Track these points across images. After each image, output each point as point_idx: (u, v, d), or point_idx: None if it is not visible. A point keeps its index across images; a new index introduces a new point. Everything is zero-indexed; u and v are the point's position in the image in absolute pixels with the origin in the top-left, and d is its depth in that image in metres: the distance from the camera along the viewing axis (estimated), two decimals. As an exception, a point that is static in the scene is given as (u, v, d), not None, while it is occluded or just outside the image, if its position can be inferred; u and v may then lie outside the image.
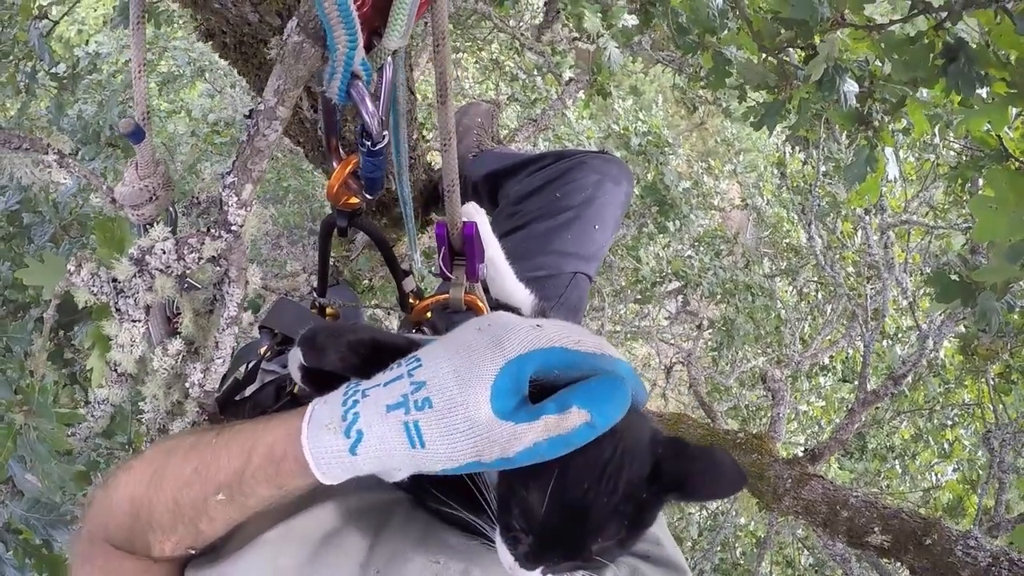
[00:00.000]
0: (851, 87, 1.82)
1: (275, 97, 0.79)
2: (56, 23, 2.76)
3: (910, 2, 1.59)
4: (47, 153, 1.04)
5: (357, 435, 0.66)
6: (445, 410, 0.64)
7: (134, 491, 0.79)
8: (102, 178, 1.02)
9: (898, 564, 2.61)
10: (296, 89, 0.80)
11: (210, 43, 1.77)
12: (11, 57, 2.76)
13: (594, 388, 0.66)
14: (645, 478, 0.71)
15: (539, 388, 0.67)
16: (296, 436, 0.69)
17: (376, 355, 0.75)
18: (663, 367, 5.12)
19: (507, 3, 3.08)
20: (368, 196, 1.02)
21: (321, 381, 0.78)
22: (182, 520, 0.76)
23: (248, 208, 0.85)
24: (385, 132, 0.87)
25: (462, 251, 1.11)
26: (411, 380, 0.66)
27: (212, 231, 0.87)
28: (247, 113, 0.83)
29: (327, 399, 0.71)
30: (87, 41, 5.91)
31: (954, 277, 1.86)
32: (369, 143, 0.88)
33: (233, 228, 0.86)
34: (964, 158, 3.00)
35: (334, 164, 1.01)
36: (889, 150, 2.03)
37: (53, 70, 2.94)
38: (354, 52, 0.76)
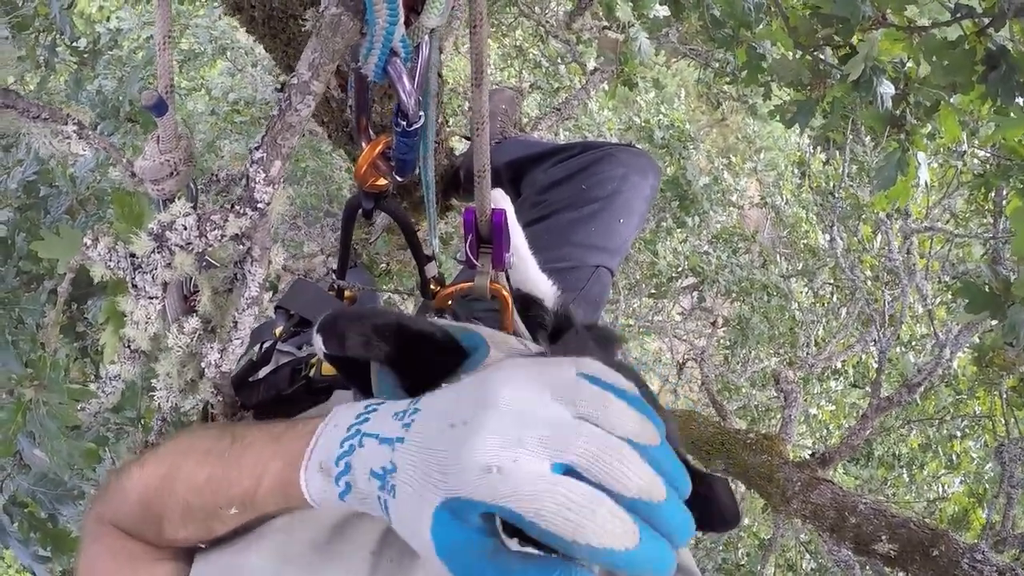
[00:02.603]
0: (888, 89, 1.78)
1: (309, 71, 0.76)
2: (78, -6, 2.74)
3: (953, 5, 1.55)
4: (66, 124, 1.02)
5: (345, 487, 0.65)
6: (401, 509, 0.62)
7: (147, 486, 0.78)
8: (121, 151, 0.99)
9: (903, 574, 2.59)
10: (332, 63, 0.76)
11: (236, 17, 1.74)
12: (31, 30, 2.73)
13: None
14: None
15: None
16: (298, 471, 0.69)
17: (403, 341, 0.73)
18: (675, 363, 5.10)
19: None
20: (398, 178, 0.99)
21: (346, 362, 0.76)
22: (193, 520, 0.76)
23: (276, 186, 0.82)
24: (421, 112, 0.84)
25: (489, 238, 1.08)
26: (392, 455, 0.63)
27: (237, 208, 0.84)
28: (279, 87, 0.80)
29: (336, 423, 0.69)
30: (108, 17, 5.90)
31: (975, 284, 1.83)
32: (404, 123, 0.85)
33: (259, 206, 0.83)
34: (989, 166, 2.95)
35: (363, 144, 0.98)
36: (921, 155, 1.99)
37: (74, 44, 2.90)
38: (394, 28, 0.73)
